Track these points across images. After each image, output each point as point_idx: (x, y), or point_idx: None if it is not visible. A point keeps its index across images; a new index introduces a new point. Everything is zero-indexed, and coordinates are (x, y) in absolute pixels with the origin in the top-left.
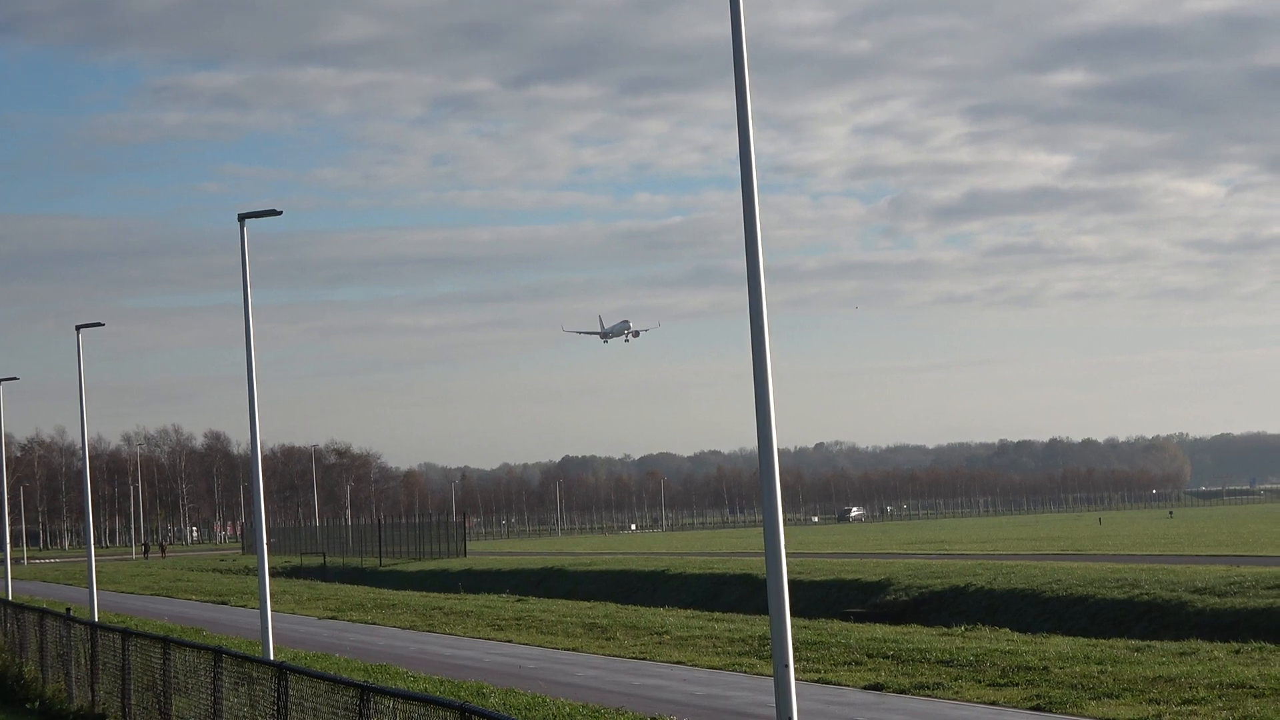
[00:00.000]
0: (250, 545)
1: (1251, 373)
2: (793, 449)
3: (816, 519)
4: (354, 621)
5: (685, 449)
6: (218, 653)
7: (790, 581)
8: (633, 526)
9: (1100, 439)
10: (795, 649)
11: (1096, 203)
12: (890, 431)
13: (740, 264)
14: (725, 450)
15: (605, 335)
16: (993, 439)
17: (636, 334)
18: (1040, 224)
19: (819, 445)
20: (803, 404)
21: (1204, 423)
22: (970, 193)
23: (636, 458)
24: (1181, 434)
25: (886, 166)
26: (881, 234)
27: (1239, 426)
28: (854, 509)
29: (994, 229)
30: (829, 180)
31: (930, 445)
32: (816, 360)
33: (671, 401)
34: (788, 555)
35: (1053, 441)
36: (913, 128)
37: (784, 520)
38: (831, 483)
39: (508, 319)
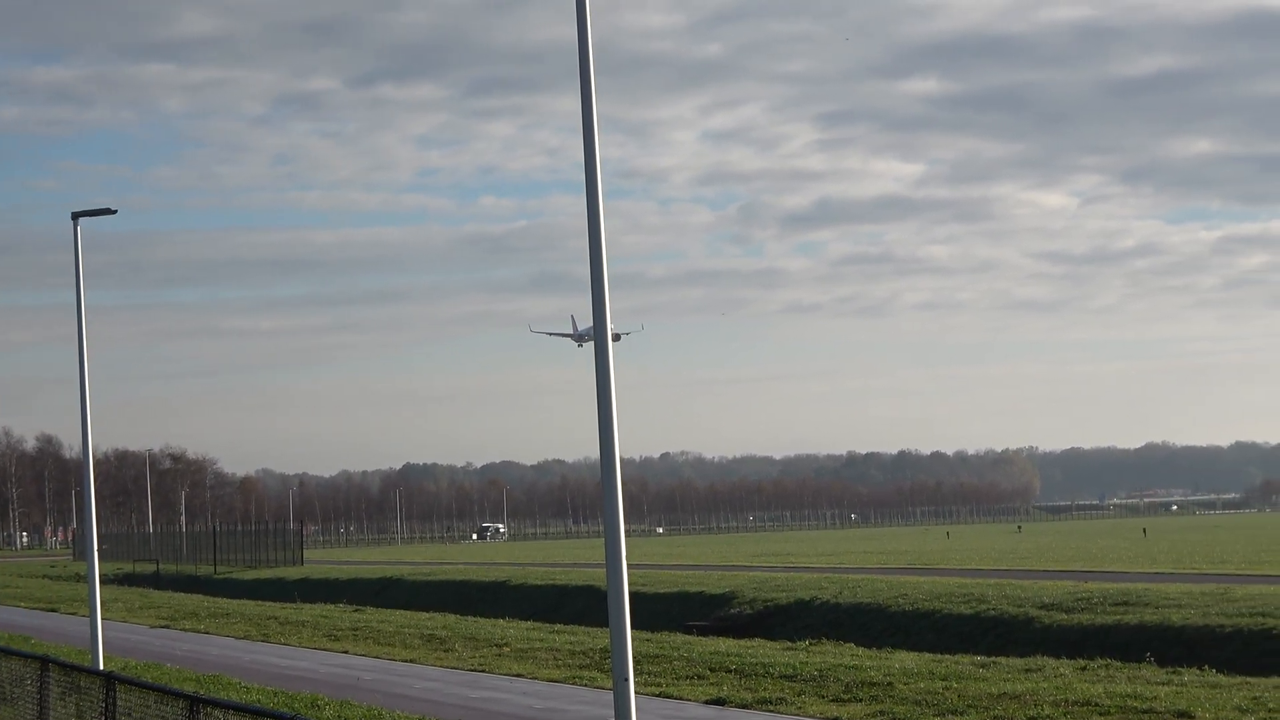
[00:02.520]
0: (82, 551)
1: (1102, 387)
2: (638, 459)
3: (661, 530)
4: (187, 630)
5: (529, 457)
6: (45, 661)
7: (633, 594)
8: (473, 536)
9: (949, 452)
10: (636, 662)
11: (948, 212)
12: (738, 442)
13: (587, 270)
14: (569, 459)
15: (580, 338)
16: (841, 451)
17: (618, 337)
18: (891, 233)
19: (665, 455)
20: (649, 413)
21: (1054, 437)
22: (821, 201)
23: (479, 466)
24: (1031, 448)
25: (736, 173)
26: (730, 241)
27: (1089, 441)
28: (499, 526)
29: (844, 238)
30: (678, 186)
31: (778, 456)
32: (663, 368)
33: (516, 409)
34: (630, 567)
35: (901, 454)
36: (763, 134)
37: (627, 531)
38: (677, 493)
39: (349, 323)
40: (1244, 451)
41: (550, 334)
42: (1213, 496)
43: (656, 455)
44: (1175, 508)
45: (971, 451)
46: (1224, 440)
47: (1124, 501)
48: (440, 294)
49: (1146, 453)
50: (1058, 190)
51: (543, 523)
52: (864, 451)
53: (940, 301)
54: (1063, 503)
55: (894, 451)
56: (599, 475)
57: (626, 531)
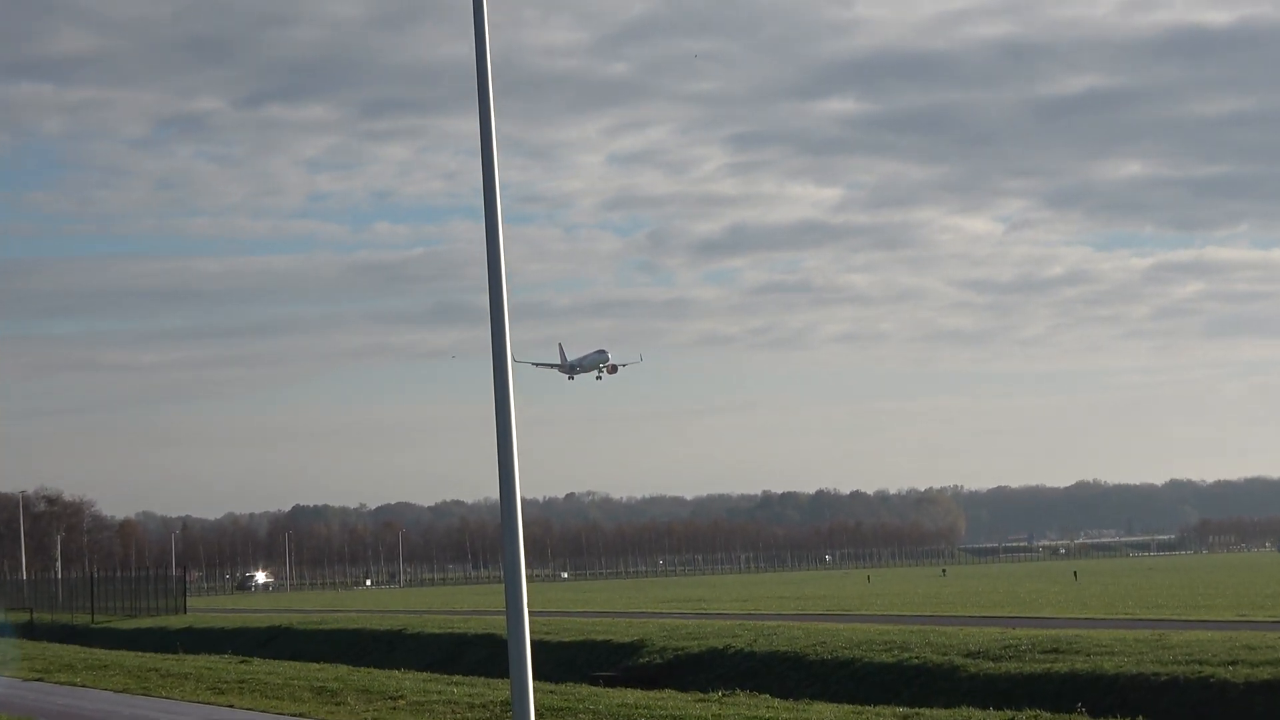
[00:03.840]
0: None
1: (1030, 422)
2: (541, 499)
3: (566, 574)
4: (62, 684)
5: (426, 498)
6: None
7: (535, 642)
8: (368, 582)
9: (870, 491)
10: (539, 715)
11: (868, 239)
12: (647, 481)
13: (486, 299)
14: (469, 500)
15: (571, 369)
16: (755, 490)
17: (615, 368)
18: (808, 261)
19: (570, 495)
20: (553, 451)
21: (980, 475)
22: (734, 226)
23: (373, 507)
24: (956, 486)
25: (645, 197)
26: (639, 269)
27: (1016, 479)
28: (259, 575)
29: (759, 265)
30: (583, 211)
31: (689, 496)
32: (568, 404)
33: (413, 446)
34: (533, 613)
35: (819, 493)
36: (673, 156)
37: (530, 576)
38: (583, 536)
39: (236, 356)
40: (1179, 490)
41: (535, 365)
42: (1147, 538)
43: (561, 495)
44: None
45: (893, 491)
46: (1158, 478)
47: (1054, 543)
48: (332, 325)
49: (1077, 491)
50: (982, 215)
51: (441, 567)
52: (780, 491)
53: (860, 332)
54: (990, 544)
55: (811, 491)
56: (500, 517)
57: (529, 576)
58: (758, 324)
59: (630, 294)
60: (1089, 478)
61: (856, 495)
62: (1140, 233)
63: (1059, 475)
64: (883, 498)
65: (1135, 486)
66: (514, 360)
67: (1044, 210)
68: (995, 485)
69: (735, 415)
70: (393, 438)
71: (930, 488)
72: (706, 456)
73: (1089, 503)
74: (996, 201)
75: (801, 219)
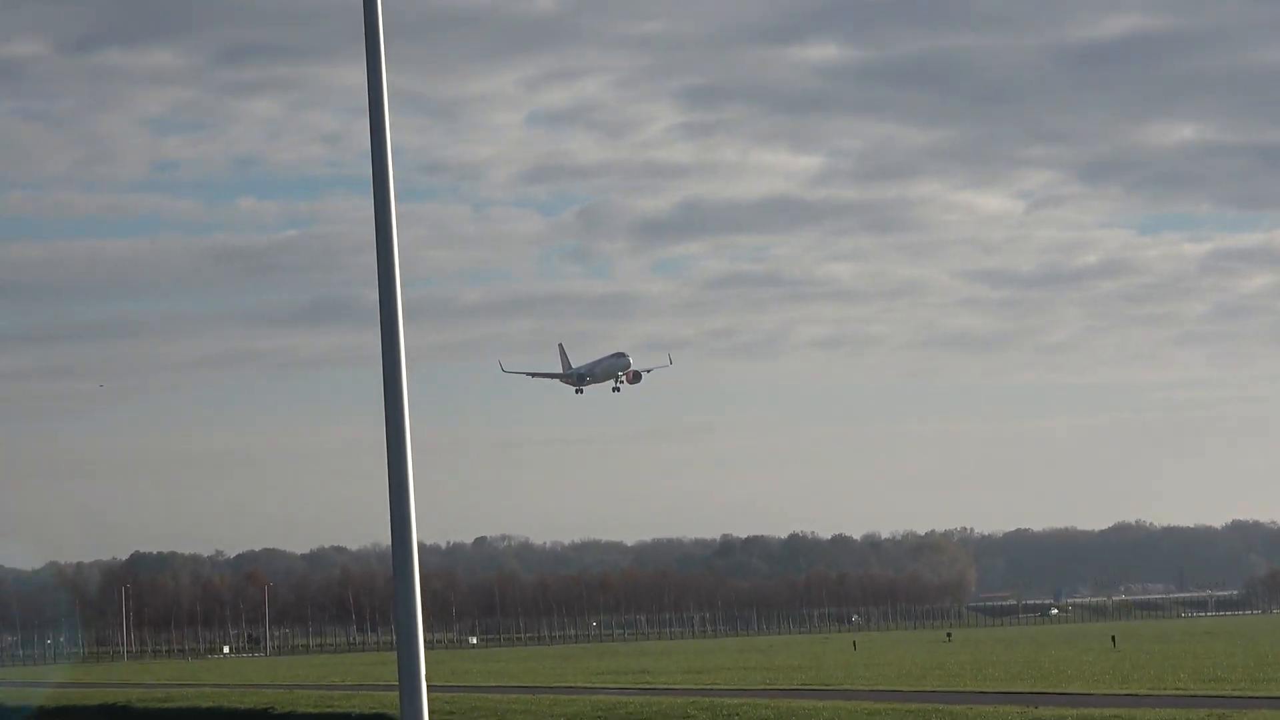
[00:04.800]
0: None
1: (1057, 448)
2: (444, 545)
3: (475, 639)
4: None
5: (299, 544)
6: None
7: None
8: (225, 649)
9: (856, 535)
10: None
11: (856, 219)
12: (577, 524)
13: (376, 294)
14: (352, 547)
15: (579, 379)
16: (713, 534)
17: (638, 376)
18: (780, 247)
19: (481, 541)
20: (461, 486)
21: (994, 515)
22: (687, 203)
23: (232, 555)
24: (964, 529)
25: (575, 167)
26: (568, 257)
27: (1040, 520)
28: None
29: (718, 252)
30: (498, 184)
31: (630, 541)
32: (479, 427)
33: (283, 480)
34: (432, 689)
35: (794, 538)
36: (611, 115)
37: (430, 641)
38: (497, 590)
39: (56, 366)
40: (1243, 534)
41: (532, 375)
42: (1203, 594)
43: (469, 540)
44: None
45: (886, 535)
46: (1217, 520)
47: (1087, 600)
48: (181, 327)
49: (1116, 536)
50: (998, 191)
51: (317, 630)
52: (744, 535)
53: (845, 336)
54: (1006, 601)
55: (783, 535)
56: (390, 567)
57: (429, 642)
58: (717, 325)
59: (557, 288)
60: (1131, 519)
61: (840, 540)
62: (1195, 212)
63: (1093, 516)
64: (873, 543)
65: (1189, 530)
66: (503, 369)
67: (1075, 184)
68: (1014, 528)
69: (688, 440)
70: (258, 469)
71: (932, 531)
72: (652, 492)
73: (1131, 550)
74: (1016, 173)
75: (772, 194)
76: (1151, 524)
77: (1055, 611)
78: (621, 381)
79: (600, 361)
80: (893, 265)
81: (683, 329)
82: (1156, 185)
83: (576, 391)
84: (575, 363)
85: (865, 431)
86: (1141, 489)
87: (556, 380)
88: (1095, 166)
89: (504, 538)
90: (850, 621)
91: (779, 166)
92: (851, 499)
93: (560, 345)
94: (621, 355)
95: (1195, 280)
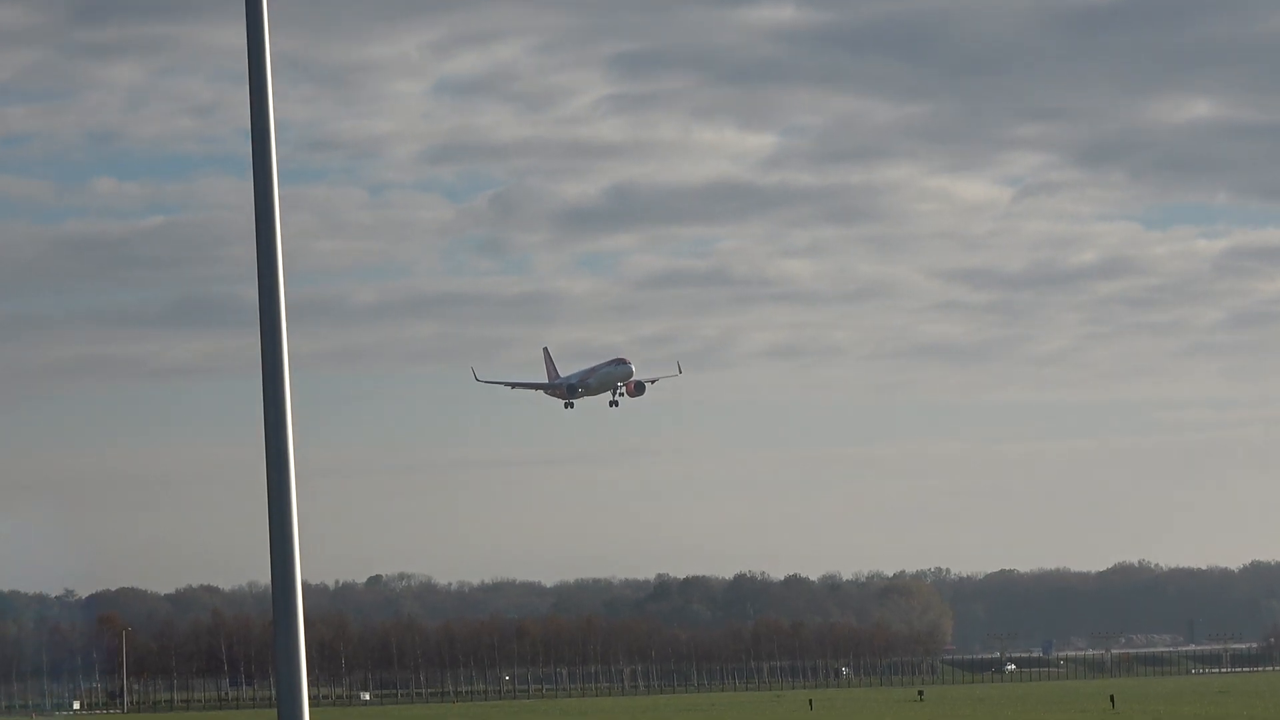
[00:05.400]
0: None
1: (1048, 477)
2: (333, 584)
3: (368, 695)
4: None
5: (163, 583)
6: None
7: None
8: (75, 705)
9: (814, 576)
10: None
11: (815, 208)
12: (487, 561)
13: (255, 292)
14: (225, 587)
15: (569, 391)
16: (647, 574)
17: (641, 387)
18: (727, 240)
19: (375, 580)
20: (354, 516)
21: (975, 554)
22: (618, 189)
23: (84, 596)
24: (940, 570)
25: (488, 145)
26: (479, 250)
27: (1028, 560)
28: None
29: (654, 246)
30: (398, 164)
31: (549, 582)
32: (374, 447)
33: (145, 508)
34: None
35: (741, 579)
36: (530, 85)
37: (315, 697)
38: (393, 639)
39: None
40: (1264, 578)
41: (512, 385)
42: (1217, 647)
43: (362, 580)
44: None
45: (848, 576)
46: (1233, 561)
47: (1082, 653)
48: (26, 328)
49: (1116, 579)
50: (982, 176)
51: (184, 683)
52: (682, 575)
53: (802, 345)
54: (988, 654)
55: (728, 576)
56: (270, 610)
57: (314, 697)
58: (652, 331)
59: (466, 285)
60: (1133, 559)
61: (795, 582)
62: (1210, 202)
63: (1090, 555)
64: (833, 586)
65: (1200, 572)
66: (477, 378)
67: (1071, 169)
68: (996, 569)
69: (618, 465)
70: (115, 494)
71: (902, 572)
72: (575, 526)
73: (1133, 595)
74: (1002, 156)
75: (717, 178)
76: (1157, 565)
77: (1012, 668)
78: (621, 393)
79: (595, 370)
80: (858, 262)
81: (612, 335)
82: (1165, 171)
83: (566, 406)
84: (564, 370)
85: (825, 456)
86: (1145, 524)
87: (540, 392)
88: (1094, 149)
89: (403, 577)
90: (840, 675)
91: (725, 146)
92: (808, 534)
93: (545, 350)
94: (621, 362)
95: (1209, 282)
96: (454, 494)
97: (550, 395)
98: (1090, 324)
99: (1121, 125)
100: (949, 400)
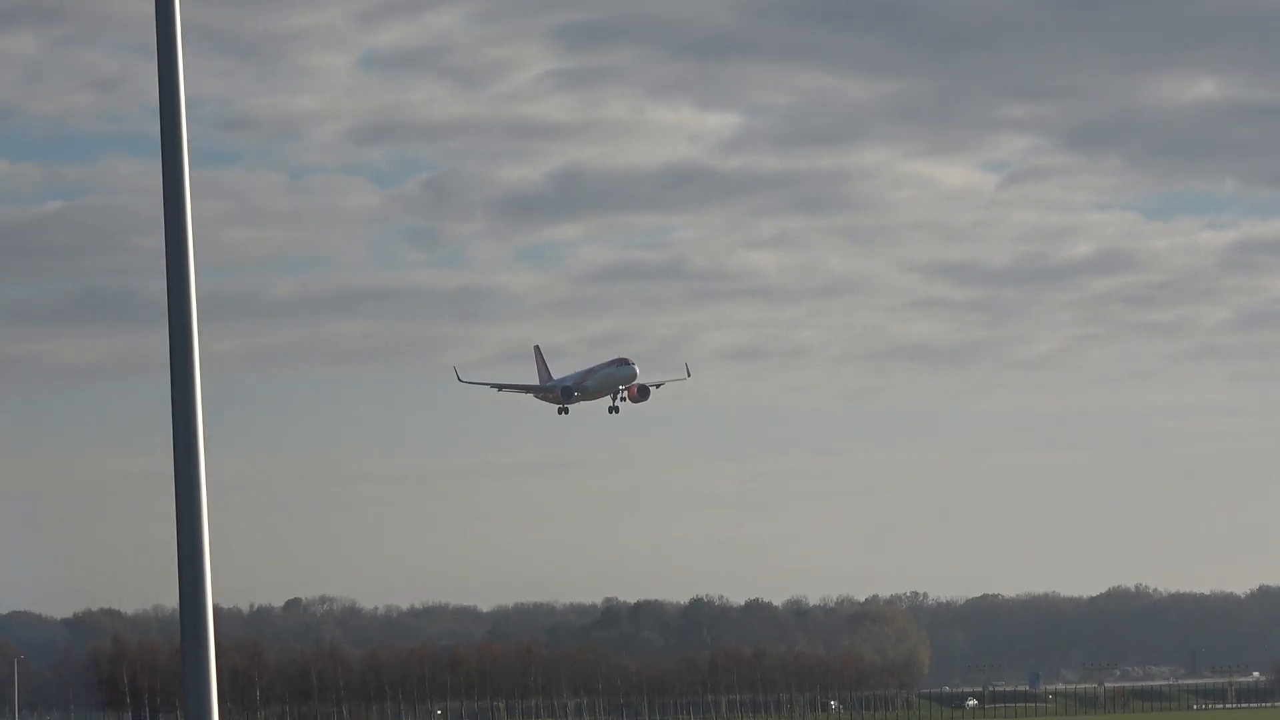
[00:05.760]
0: None
1: (1035, 492)
2: (246, 609)
3: None
4: None
5: (58, 607)
6: None
7: None
8: None
9: (778, 601)
10: None
11: (780, 196)
12: (416, 583)
13: (163, 285)
14: (128, 610)
15: (564, 394)
16: (594, 597)
17: (645, 392)
18: (684, 230)
19: (293, 603)
20: (271, 532)
21: (954, 577)
22: (564, 173)
23: None
24: (916, 595)
25: (421, 125)
26: (410, 241)
27: (1013, 584)
28: None
29: (604, 236)
30: (322, 145)
31: (485, 607)
32: (294, 456)
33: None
34: None
35: (697, 604)
36: (467, 59)
37: None
38: (314, 668)
39: None
40: (1272, 604)
41: (499, 388)
42: (1222, 680)
43: (279, 604)
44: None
45: (815, 601)
46: (1240, 586)
47: (1072, 687)
48: None
49: (1110, 605)
50: (964, 161)
51: (82, 716)
52: (633, 599)
53: (765, 345)
54: (969, 686)
55: (683, 600)
56: (179, 636)
57: None
58: (601, 329)
59: (396, 280)
60: (1129, 583)
61: (756, 608)
62: (1217, 191)
63: (1081, 579)
64: (798, 611)
65: (1203, 598)
66: (459, 378)
67: (1062, 153)
68: (979, 594)
69: (562, 478)
70: (5, 509)
71: (874, 597)
72: (515, 544)
73: (1129, 623)
74: (986, 139)
75: (673, 162)
76: (1156, 590)
77: (973, 703)
78: (622, 398)
79: (594, 371)
80: (827, 255)
81: (557, 334)
82: (1167, 156)
83: (560, 411)
84: (559, 372)
85: (790, 468)
86: (1143, 545)
87: (530, 396)
88: (1088, 131)
89: (324, 600)
90: (829, 708)
91: (682, 127)
92: (771, 555)
93: (536, 348)
94: (624, 363)
95: (1216, 279)
96: (381, 509)
97: (541, 399)
98: (1084, 324)
99: (1119, 105)
100: (928, 408)
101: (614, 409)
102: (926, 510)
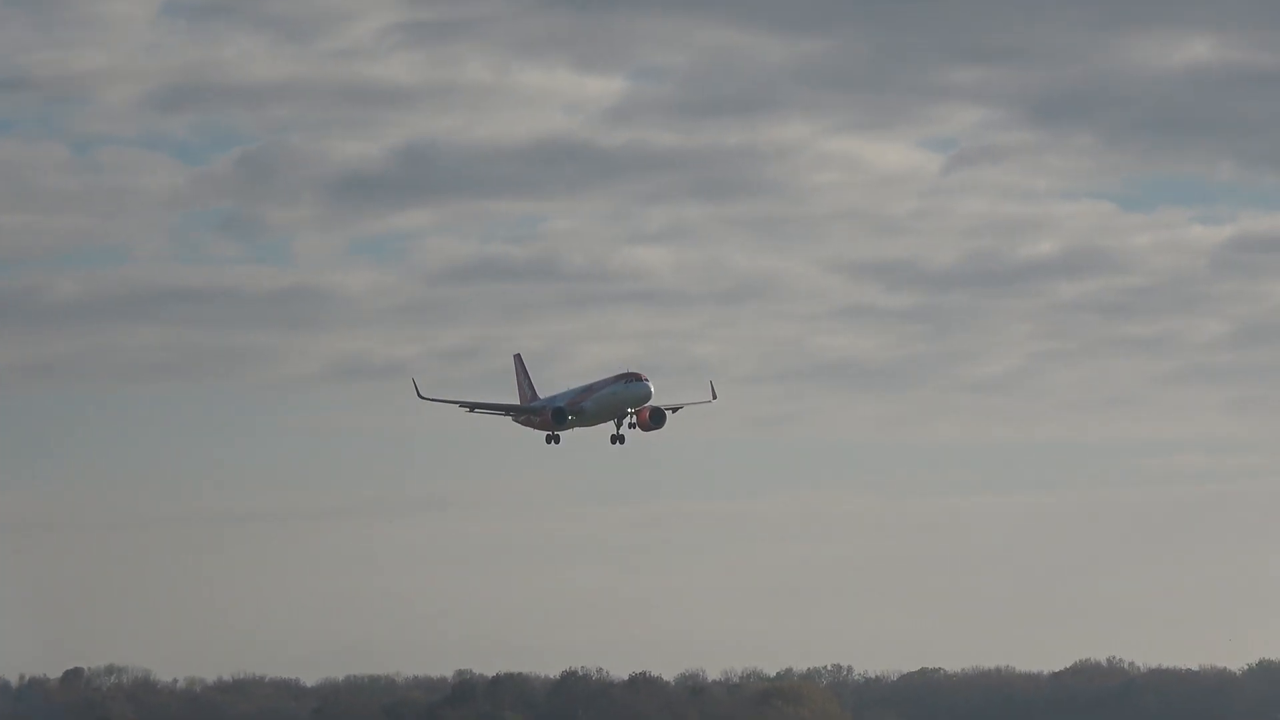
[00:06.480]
0: None
1: (987, 545)
2: (17, 680)
3: None
4: None
5: None
6: None
7: None
8: None
9: (669, 676)
10: None
11: (677, 177)
12: (226, 650)
13: None
14: None
15: (556, 418)
16: (443, 670)
17: (660, 417)
18: (558, 219)
19: (74, 674)
20: (46, 589)
21: (886, 648)
22: (410, 149)
23: None
24: (838, 668)
25: (235, 87)
26: (221, 230)
27: (957, 657)
28: None
29: (459, 226)
30: (113, 112)
31: (311, 681)
32: (76, 493)
33: None
34: None
35: (569, 678)
36: (293, 7)
37: None
38: None
39: None
40: (1274, 682)
41: (472, 408)
42: None
43: (56, 675)
44: None
45: (716, 676)
46: (1235, 660)
47: None
48: None
49: (1077, 681)
50: (902, 136)
51: None
52: (490, 673)
53: (657, 361)
54: None
55: (554, 674)
56: None
57: None
58: (455, 342)
59: (203, 277)
60: (1099, 656)
61: (643, 683)
62: (1210, 176)
63: (1043, 651)
64: (694, 689)
65: (1191, 675)
66: (420, 395)
67: (1021, 128)
68: (915, 668)
69: (405, 522)
70: None
71: (788, 671)
72: (347, 604)
73: (1100, 703)
74: (930, 110)
75: (545, 136)
76: (1132, 664)
77: None
78: (631, 424)
79: (594, 390)
80: (733, 251)
81: (400, 346)
82: (1150, 133)
83: (549, 440)
84: (546, 393)
85: (685, 512)
86: (1117, 610)
87: (509, 419)
88: (1055, 101)
89: (111, 671)
90: None
91: (557, 93)
92: (661, 619)
93: (517, 358)
94: (634, 378)
95: (1208, 283)
96: (181, 558)
97: (523, 424)
98: (1047, 338)
99: (1092, 70)
100: (855, 439)
101: (618, 438)
102: (853, 565)
